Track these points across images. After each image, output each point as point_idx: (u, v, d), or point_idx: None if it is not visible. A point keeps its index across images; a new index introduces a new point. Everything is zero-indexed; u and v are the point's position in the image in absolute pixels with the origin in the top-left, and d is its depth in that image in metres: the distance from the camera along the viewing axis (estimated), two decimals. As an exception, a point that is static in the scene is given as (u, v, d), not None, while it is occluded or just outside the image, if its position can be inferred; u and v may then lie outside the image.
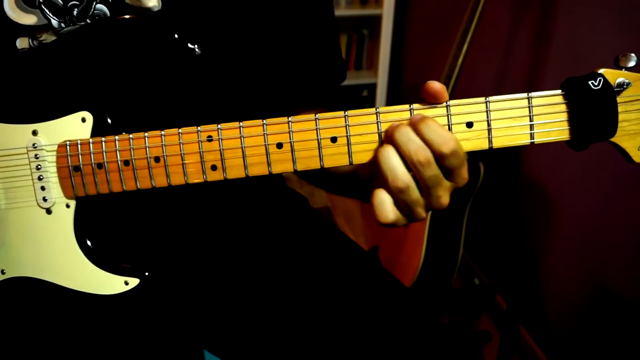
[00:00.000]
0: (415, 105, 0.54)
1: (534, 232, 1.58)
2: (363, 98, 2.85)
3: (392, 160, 0.51)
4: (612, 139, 0.54)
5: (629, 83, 0.52)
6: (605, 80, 0.52)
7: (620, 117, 0.53)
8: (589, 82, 0.52)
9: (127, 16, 0.60)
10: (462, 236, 1.62)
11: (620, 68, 0.53)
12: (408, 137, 0.50)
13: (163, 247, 0.77)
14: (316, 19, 0.76)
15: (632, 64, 0.52)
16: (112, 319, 0.70)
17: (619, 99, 0.52)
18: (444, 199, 0.53)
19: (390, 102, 2.74)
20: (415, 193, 0.52)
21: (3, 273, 0.63)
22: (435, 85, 0.52)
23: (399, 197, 0.52)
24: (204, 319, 0.77)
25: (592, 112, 0.52)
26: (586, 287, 1.37)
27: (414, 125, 0.51)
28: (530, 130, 0.54)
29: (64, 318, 0.69)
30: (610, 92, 0.52)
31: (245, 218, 0.83)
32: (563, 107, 0.53)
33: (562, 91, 0.53)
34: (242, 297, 0.77)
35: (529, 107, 0.53)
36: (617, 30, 1.15)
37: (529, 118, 0.53)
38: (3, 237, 0.62)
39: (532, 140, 0.54)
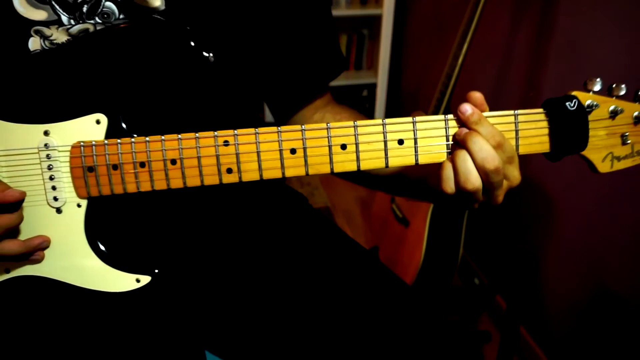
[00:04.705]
0: (417, 118, 0.59)
1: (534, 232, 1.59)
2: (363, 98, 2.85)
3: (466, 164, 0.56)
4: (583, 152, 0.62)
5: (597, 105, 0.60)
6: (579, 102, 0.59)
7: (591, 133, 0.60)
8: (566, 104, 0.59)
9: (142, 22, 0.61)
10: (462, 236, 1.63)
11: (588, 91, 0.60)
12: (480, 146, 0.55)
13: (165, 246, 0.77)
14: (314, 17, 0.78)
15: (597, 88, 0.60)
16: (116, 317, 0.70)
17: (589, 118, 0.60)
18: (501, 197, 0.59)
19: (390, 102, 2.75)
20: (479, 195, 0.58)
21: (7, 272, 0.63)
22: (477, 95, 0.58)
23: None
24: (205, 319, 0.78)
25: (570, 129, 0.59)
26: (586, 287, 1.38)
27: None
28: (516, 143, 0.60)
29: (68, 316, 0.69)
30: (583, 112, 0.59)
31: (246, 218, 0.85)
32: (544, 124, 0.60)
33: (543, 110, 0.60)
34: (243, 297, 0.78)
35: (515, 122, 0.60)
36: (617, 31, 1.16)
37: (515, 132, 0.60)
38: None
39: (517, 153, 0.60)
